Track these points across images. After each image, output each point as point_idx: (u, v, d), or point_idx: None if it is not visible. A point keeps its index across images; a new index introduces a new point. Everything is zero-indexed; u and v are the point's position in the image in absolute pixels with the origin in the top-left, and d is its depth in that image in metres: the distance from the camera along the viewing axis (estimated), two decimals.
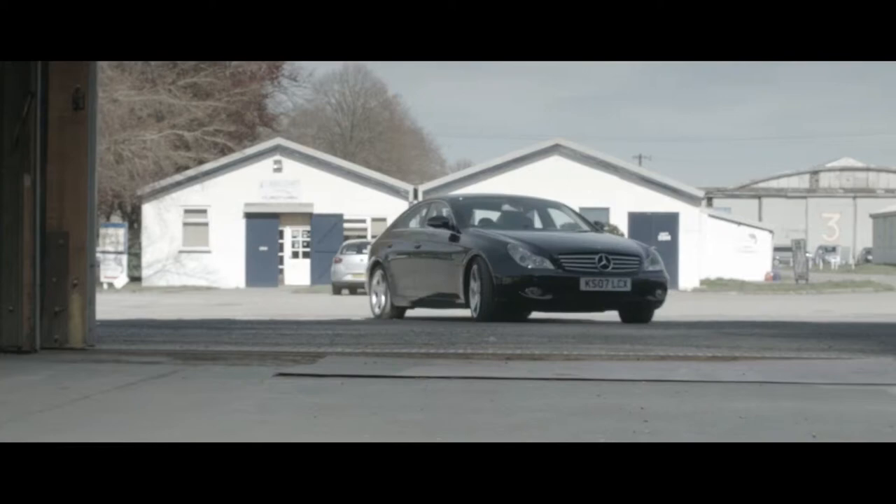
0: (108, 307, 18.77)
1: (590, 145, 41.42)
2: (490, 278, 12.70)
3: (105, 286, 39.18)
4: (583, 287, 12.76)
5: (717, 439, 3.86)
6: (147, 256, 43.65)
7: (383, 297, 14.92)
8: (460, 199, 15.57)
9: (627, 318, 13.35)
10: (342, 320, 13.58)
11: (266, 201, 43.73)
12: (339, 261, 35.29)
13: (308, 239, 44.28)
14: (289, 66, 52.13)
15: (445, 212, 14.34)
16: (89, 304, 7.28)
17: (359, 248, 35.79)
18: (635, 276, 12.98)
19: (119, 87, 39.86)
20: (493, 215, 14.92)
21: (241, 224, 43.80)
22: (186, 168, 43.17)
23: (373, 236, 41.74)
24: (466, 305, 13.22)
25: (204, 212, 43.74)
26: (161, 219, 43.28)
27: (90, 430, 4.11)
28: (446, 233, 13.84)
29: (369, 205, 43.60)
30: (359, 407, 4.71)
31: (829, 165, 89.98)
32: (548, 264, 12.74)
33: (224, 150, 43.77)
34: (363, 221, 43.80)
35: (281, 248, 44.54)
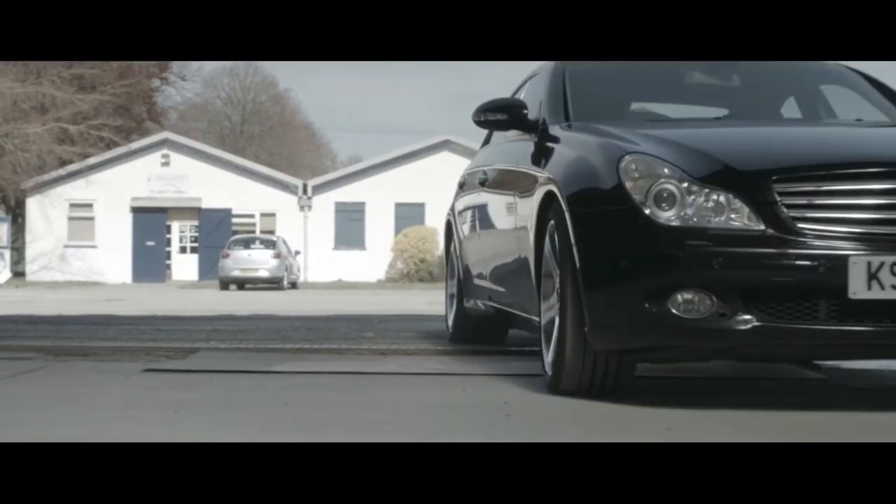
0: None
1: (480, 141, 41.47)
2: (574, 287, 4.82)
3: None
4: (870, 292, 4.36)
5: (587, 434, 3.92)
6: (31, 251, 42.90)
7: (453, 297, 8.12)
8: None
9: None
10: (225, 316, 13.48)
11: (153, 196, 43.23)
12: (227, 256, 34.99)
13: (196, 234, 43.86)
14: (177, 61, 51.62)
15: (542, 87, 6.21)
16: None
17: (247, 243, 35.54)
18: None
19: (1, 79, 39.10)
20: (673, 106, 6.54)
21: (128, 219, 43.24)
22: (71, 162, 42.50)
23: (262, 231, 41.55)
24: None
25: (90, 206, 43.11)
26: (45, 213, 42.56)
27: None
28: (527, 143, 5.91)
29: (258, 200, 43.33)
30: (223, 402, 4.71)
31: None
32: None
33: (110, 145, 43.17)
34: (252, 216, 43.50)
35: (168, 243, 44.04)
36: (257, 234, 40.10)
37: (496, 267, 6.60)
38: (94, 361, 6.42)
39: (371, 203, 42.95)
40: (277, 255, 34.83)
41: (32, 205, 42.79)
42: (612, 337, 4.68)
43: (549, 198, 5.17)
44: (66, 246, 42.81)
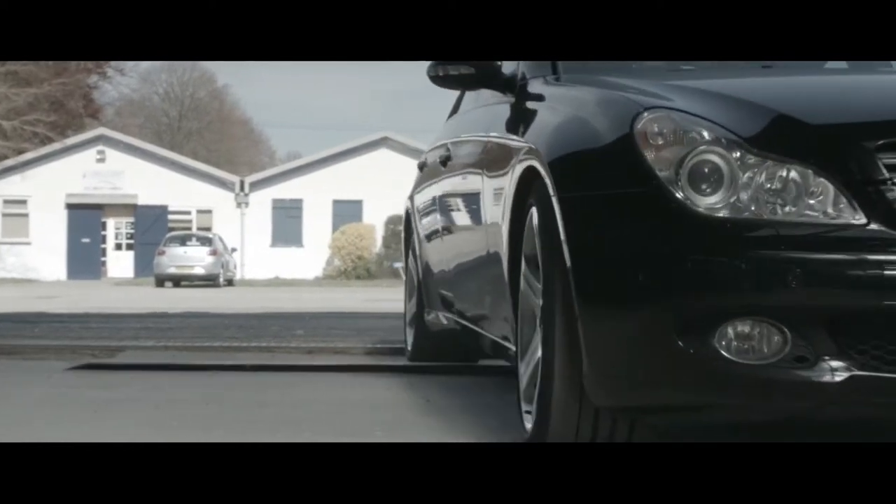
0: None
1: (418, 138, 41.57)
2: (566, 310, 3.28)
3: None
4: None
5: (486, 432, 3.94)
6: None
7: (413, 304, 6.49)
8: None
9: None
10: (157, 313, 13.40)
11: (89, 192, 42.84)
12: (163, 253, 34.76)
13: (132, 231, 43.53)
14: None
15: None
16: None
17: (182, 241, 35.31)
18: None
19: None
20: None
21: (63, 215, 42.84)
22: (5, 158, 42.02)
23: (199, 228, 41.29)
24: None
25: (24, 202, 42.65)
26: None
27: None
28: (501, 107, 4.41)
29: (195, 196, 43.07)
30: (144, 401, 4.69)
31: None
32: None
33: (44, 141, 42.73)
34: (188, 213, 43.23)
35: (104, 239, 43.66)
36: (193, 231, 39.85)
37: (460, 273, 5.04)
38: (19, 360, 6.38)
39: (308, 200, 42.82)
40: (213, 253, 34.66)
41: None
42: (623, 389, 3.13)
43: (528, 177, 3.60)
44: None
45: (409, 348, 6.46)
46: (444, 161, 5.31)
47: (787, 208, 2.99)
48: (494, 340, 4.38)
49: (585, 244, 3.21)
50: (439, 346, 6.14)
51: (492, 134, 4.41)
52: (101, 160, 42.97)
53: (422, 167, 6.28)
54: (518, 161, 3.74)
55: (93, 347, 7.11)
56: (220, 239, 36.99)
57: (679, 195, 3.01)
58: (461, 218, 4.99)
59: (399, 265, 37.56)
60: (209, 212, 43.20)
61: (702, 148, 3.04)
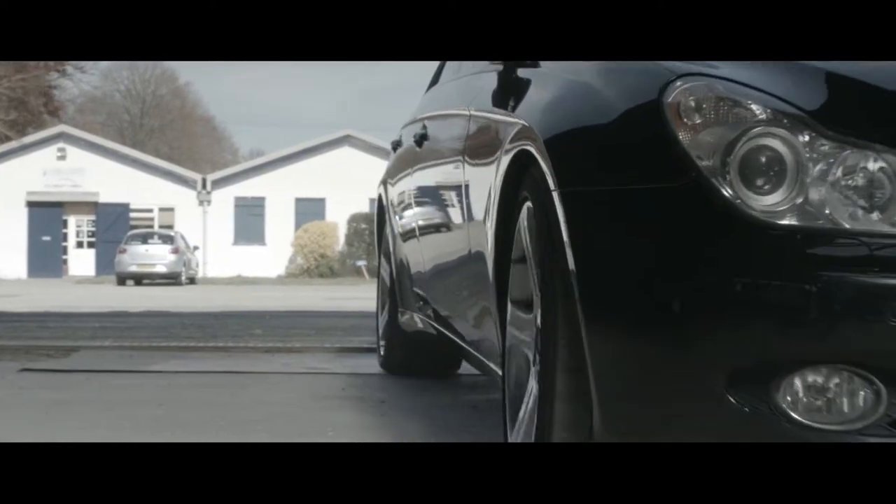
0: None
1: (381, 136, 41.52)
2: (570, 340, 2.54)
3: None
4: None
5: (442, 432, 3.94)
6: None
7: (385, 307, 5.82)
8: None
9: None
10: (116, 312, 13.33)
11: (49, 190, 42.57)
12: (124, 251, 34.56)
13: (93, 229, 43.29)
14: None
15: None
16: None
17: (144, 238, 35.13)
18: None
19: None
20: None
21: (23, 213, 42.55)
22: None
23: (161, 226, 41.10)
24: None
25: None
26: None
27: None
28: (488, 75, 3.56)
29: (157, 194, 42.88)
30: (97, 402, 4.66)
31: None
32: None
33: (3, 139, 42.42)
34: (150, 211, 43.03)
35: (65, 237, 43.41)
36: (155, 228, 39.67)
37: (438, 274, 4.33)
38: None
39: (271, 198, 42.70)
40: (175, 251, 34.50)
41: None
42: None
43: (521, 163, 2.87)
44: None
45: (382, 354, 5.82)
46: (420, 141, 4.54)
47: (874, 214, 2.23)
48: (478, 358, 3.70)
49: (597, 257, 2.44)
50: (414, 354, 5.51)
51: (474, 109, 3.64)
52: (62, 157, 42.70)
53: (395, 147, 5.50)
54: (508, 143, 2.98)
55: (48, 348, 7.06)
56: (182, 237, 36.82)
57: (726, 193, 2.26)
58: (439, 212, 4.16)
59: (362, 263, 37.54)
60: (171, 210, 43.01)
61: (757, 129, 2.27)
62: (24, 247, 42.36)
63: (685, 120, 2.32)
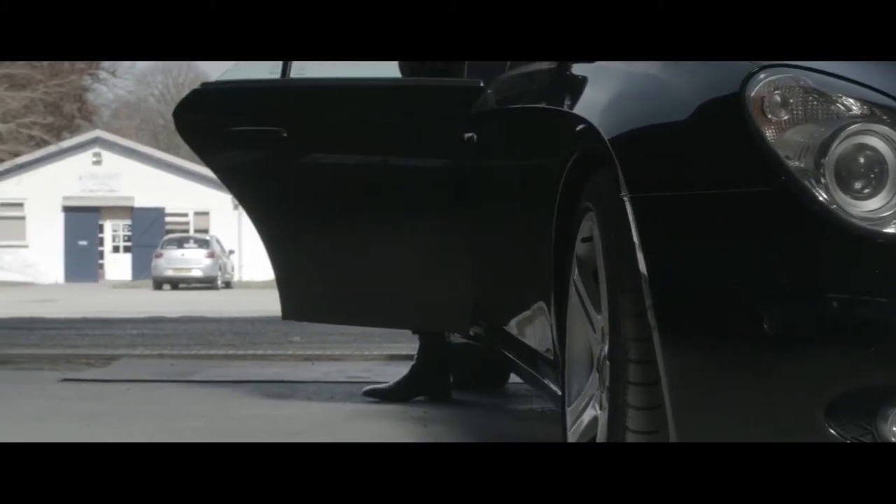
0: None
1: None
2: (643, 365, 2.33)
3: None
4: None
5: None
6: None
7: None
8: None
9: None
10: (153, 318, 13.35)
11: (85, 195, 42.78)
12: (160, 255, 34.69)
13: (129, 233, 43.47)
14: None
15: None
16: None
17: (180, 243, 35.25)
18: None
19: None
20: None
21: (60, 218, 42.78)
22: (1, 161, 41.98)
23: (196, 230, 41.19)
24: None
25: (20, 205, 42.59)
26: None
27: None
28: (540, 73, 3.43)
29: (192, 199, 42.98)
30: (138, 414, 4.63)
31: None
32: None
33: (40, 143, 42.69)
34: (185, 215, 43.16)
35: (101, 242, 43.62)
36: (191, 233, 39.78)
37: (491, 284, 4.08)
38: (12, 370, 6.31)
39: None
40: (211, 255, 34.60)
41: None
42: None
43: (582, 166, 2.68)
44: None
45: None
46: (472, 143, 4.16)
47: None
48: (534, 375, 3.46)
49: (675, 270, 2.21)
50: (460, 367, 5.27)
51: (528, 104, 3.47)
52: (98, 163, 42.91)
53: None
54: (567, 145, 2.78)
55: (87, 356, 7.05)
56: (218, 241, 36.93)
57: (821, 197, 2.04)
58: (490, 218, 3.97)
59: None
60: (206, 213, 43.13)
61: (854, 127, 2.06)
62: (61, 251, 42.58)
63: (770, 116, 2.10)
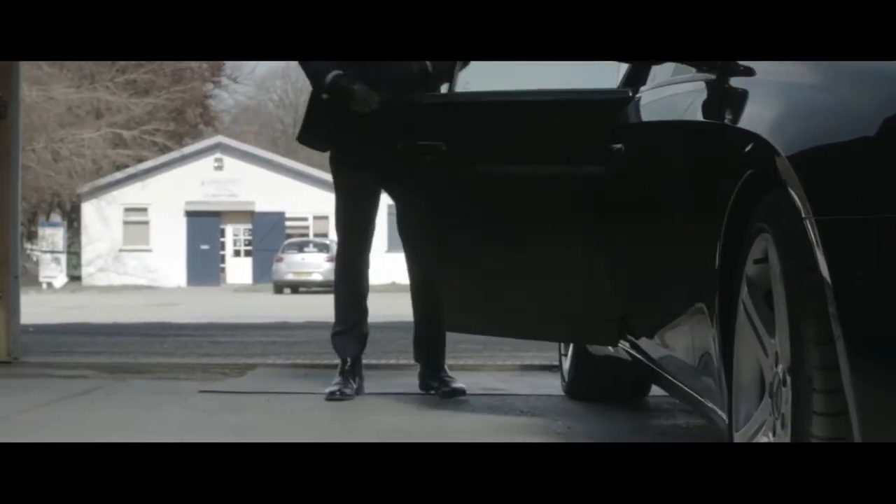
0: (44, 308, 18.62)
1: None
2: (828, 398, 2.18)
3: (44, 286, 38.71)
4: None
5: None
6: (87, 255, 43.20)
7: None
8: None
9: None
10: (279, 324, 13.43)
11: (207, 199, 43.42)
12: (281, 260, 35.07)
13: (250, 237, 44.01)
14: (230, 63, 51.83)
15: None
16: (13, 315, 7.14)
17: (300, 247, 35.58)
18: None
19: (56, 85, 39.40)
20: None
21: (182, 222, 43.46)
22: (126, 166, 42.79)
23: (315, 234, 41.54)
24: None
25: (144, 210, 43.38)
26: (101, 217, 42.86)
27: None
28: (697, 84, 3.24)
29: (311, 202, 43.36)
30: (280, 428, 4.62)
31: None
32: None
33: (163, 149, 43.43)
34: (305, 219, 43.56)
35: (223, 246, 44.23)
36: (310, 237, 40.14)
37: (645, 295, 3.92)
38: (150, 380, 6.36)
39: None
40: (331, 259, 34.77)
41: (88, 209, 43.09)
42: None
43: (753, 185, 2.50)
44: (121, 250, 43.08)
45: (566, 380, 5.46)
46: (620, 158, 4.05)
47: None
48: (692, 395, 3.25)
49: (868, 299, 2.05)
50: (603, 380, 5.16)
51: (684, 117, 3.32)
52: (219, 168, 43.52)
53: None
54: (734, 163, 2.59)
55: (223, 365, 7.08)
56: None
57: None
58: (648, 230, 3.77)
59: None
60: (325, 218, 43.45)
61: None
62: (184, 255, 43.26)
63: None
